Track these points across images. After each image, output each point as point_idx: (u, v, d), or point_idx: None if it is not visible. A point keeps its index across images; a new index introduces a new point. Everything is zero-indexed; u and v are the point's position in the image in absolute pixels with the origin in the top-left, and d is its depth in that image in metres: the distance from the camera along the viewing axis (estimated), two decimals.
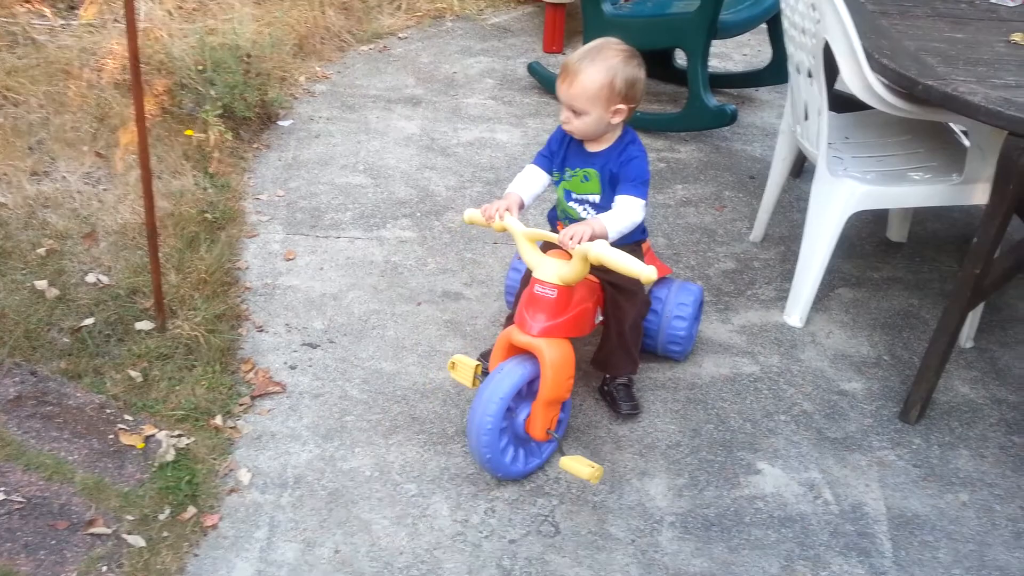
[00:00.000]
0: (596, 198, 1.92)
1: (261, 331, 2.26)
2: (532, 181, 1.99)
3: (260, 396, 2.05)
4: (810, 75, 2.25)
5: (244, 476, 1.84)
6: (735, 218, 2.90)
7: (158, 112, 2.98)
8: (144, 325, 2.18)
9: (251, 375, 2.10)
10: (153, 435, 1.91)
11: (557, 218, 2.06)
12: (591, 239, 1.72)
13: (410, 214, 2.83)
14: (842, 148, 2.45)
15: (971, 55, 2.03)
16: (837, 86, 2.25)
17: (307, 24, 3.88)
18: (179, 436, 1.91)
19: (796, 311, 2.40)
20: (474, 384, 1.88)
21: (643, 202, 1.85)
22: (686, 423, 2.04)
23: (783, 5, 2.38)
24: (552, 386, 1.76)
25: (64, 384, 2.02)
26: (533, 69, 3.81)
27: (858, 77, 2.07)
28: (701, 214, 2.91)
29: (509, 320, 2.08)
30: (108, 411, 1.97)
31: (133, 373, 2.05)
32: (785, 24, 2.39)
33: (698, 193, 3.04)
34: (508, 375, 1.77)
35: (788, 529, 1.78)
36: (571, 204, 1.97)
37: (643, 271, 1.65)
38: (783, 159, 2.66)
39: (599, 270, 1.78)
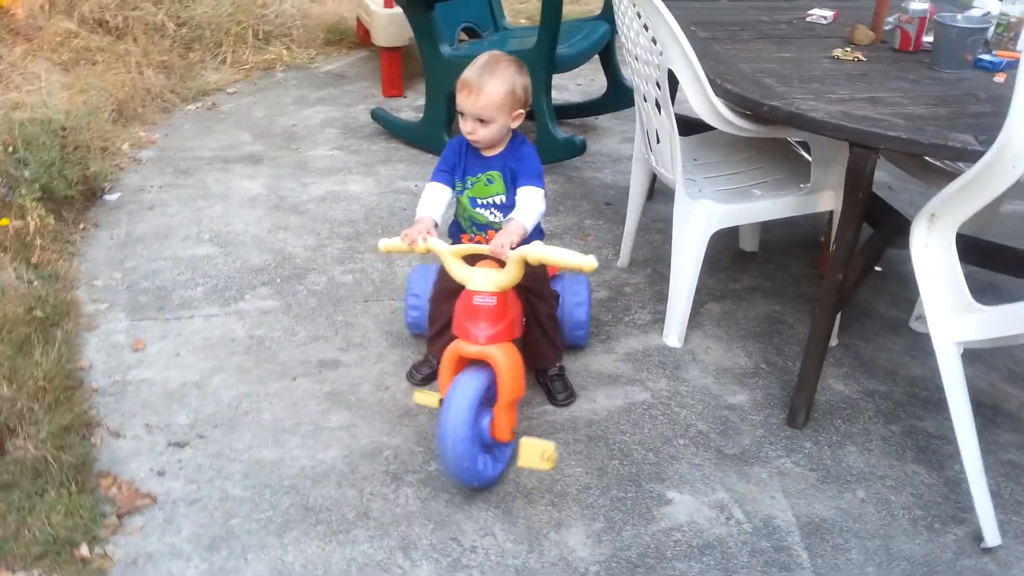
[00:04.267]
0: (502, 198, 2.05)
1: (118, 437, 2.02)
2: (438, 199, 2.04)
3: (128, 513, 1.81)
4: (657, 104, 2.31)
5: None
6: (600, 245, 2.93)
7: None
8: None
9: (114, 490, 1.86)
10: None
11: (461, 230, 2.14)
12: (517, 245, 1.86)
13: (269, 281, 2.65)
14: (693, 170, 2.53)
15: (802, 73, 2.15)
16: (676, 109, 2.32)
17: (125, 87, 3.60)
18: None
19: (673, 332, 2.44)
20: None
21: (543, 191, 2.00)
22: (591, 463, 2.01)
23: (623, 40, 2.44)
24: (511, 387, 1.86)
25: None
26: (377, 115, 3.72)
27: (705, 104, 2.14)
28: (567, 245, 2.91)
29: (434, 342, 2.16)
30: None
31: None
32: (627, 57, 2.45)
33: (561, 224, 3.05)
34: (468, 385, 1.83)
35: (709, 557, 1.78)
36: (477, 210, 2.08)
37: (584, 261, 1.76)
38: (639, 184, 2.72)
39: None
